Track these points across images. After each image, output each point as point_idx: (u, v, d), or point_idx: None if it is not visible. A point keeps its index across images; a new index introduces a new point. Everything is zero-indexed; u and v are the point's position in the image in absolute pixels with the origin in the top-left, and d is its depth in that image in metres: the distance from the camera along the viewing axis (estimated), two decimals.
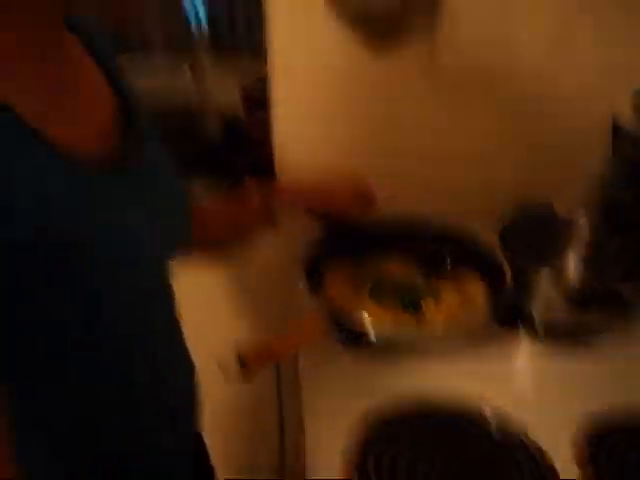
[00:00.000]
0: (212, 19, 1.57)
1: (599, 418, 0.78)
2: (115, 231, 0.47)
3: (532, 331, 0.95)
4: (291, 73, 1.05)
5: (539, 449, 0.73)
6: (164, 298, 0.61)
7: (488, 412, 0.78)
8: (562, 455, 0.72)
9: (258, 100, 1.17)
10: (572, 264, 1.08)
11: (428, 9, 0.99)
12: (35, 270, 0.40)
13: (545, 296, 0.93)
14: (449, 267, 1.03)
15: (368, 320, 0.85)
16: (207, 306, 1.17)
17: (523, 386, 0.89)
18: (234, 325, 1.19)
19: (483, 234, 1.02)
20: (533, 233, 1.09)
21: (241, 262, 1.13)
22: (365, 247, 1.02)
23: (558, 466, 0.71)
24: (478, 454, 0.72)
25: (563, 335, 0.94)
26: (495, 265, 0.96)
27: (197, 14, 1.56)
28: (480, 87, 1.09)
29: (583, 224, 1.06)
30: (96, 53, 0.54)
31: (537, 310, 0.95)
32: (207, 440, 0.83)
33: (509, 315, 0.98)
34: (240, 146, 1.47)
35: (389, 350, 0.88)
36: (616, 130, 1.08)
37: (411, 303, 0.94)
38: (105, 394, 0.52)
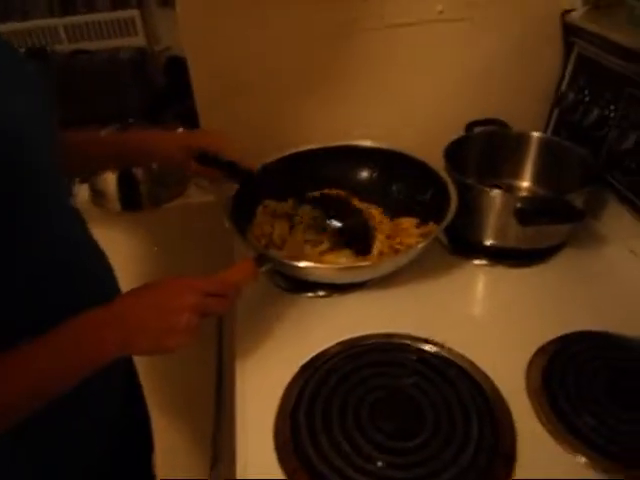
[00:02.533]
0: None
1: (550, 343, 0.73)
2: None
3: (485, 256, 0.90)
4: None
5: (485, 377, 0.68)
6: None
7: (431, 342, 0.72)
8: (513, 383, 0.68)
9: None
10: (524, 180, 1.02)
11: None
12: None
13: (496, 217, 0.86)
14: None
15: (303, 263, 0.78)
16: (143, 262, 1.11)
17: (472, 314, 0.83)
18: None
19: (430, 158, 0.94)
20: (482, 150, 1.01)
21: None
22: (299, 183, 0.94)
23: (507, 394, 0.66)
24: (415, 386, 0.67)
25: (516, 256, 0.88)
26: (442, 189, 0.88)
27: None
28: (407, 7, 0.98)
29: (536, 137, 1.00)
30: None
31: (488, 233, 0.88)
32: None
33: (459, 241, 0.92)
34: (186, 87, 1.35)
35: (337, 290, 0.83)
36: (567, 28, 1.00)
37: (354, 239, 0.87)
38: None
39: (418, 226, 0.89)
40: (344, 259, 0.86)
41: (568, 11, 0.98)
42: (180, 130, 0.84)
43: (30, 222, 0.55)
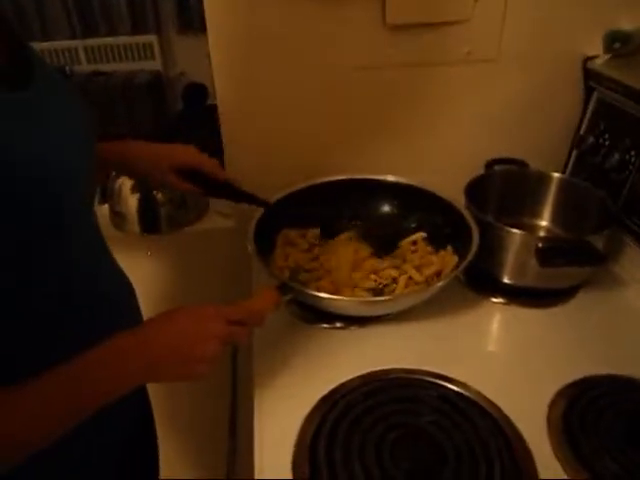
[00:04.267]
0: None
1: (570, 386, 0.72)
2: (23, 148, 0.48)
3: (503, 295, 0.90)
4: (231, 37, 0.97)
5: (505, 417, 0.67)
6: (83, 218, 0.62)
7: (451, 380, 0.72)
8: (533, 424, 0.67)
9: None
10: (544, 220, 1.03)
11: None
12: None
13: (515, 256, 0.87)
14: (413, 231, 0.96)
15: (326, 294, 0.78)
16: (161, 286, 1.12)
17: (490, 352, 0.83)
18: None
19: (450, 195, 0.95)
20: (503, 189, 1.02)
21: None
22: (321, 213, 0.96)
23: (527, 436, 0.65)
24: (436, 424, 0.66)
25: (534, 295, 0.88)
26: (462, 225, 0.89)
27: None
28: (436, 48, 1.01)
29: (557, 178, 1.01)
30: None
31: (507, 271, 0.88)
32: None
33: (478, 278, 0.92)
34: (203, 113, 1.38)
35: (354, 322, 0.83)
36: (588, 73, 1.02)
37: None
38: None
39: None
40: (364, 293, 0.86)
41: (590, 58, 1.00)
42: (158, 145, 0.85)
43: (54, 248, 0.55)
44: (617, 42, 0.98)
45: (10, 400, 0.48)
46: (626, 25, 0.99)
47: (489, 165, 1.05)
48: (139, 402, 0.80)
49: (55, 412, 0.51)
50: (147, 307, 0.76)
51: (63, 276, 0.57)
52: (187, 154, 0.84)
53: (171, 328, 0.58)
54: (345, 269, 0.89)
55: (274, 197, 0.92)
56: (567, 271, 0.87)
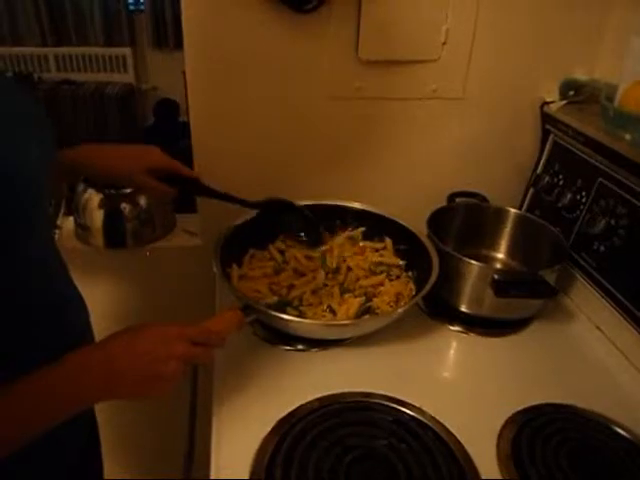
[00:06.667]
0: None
1: (520, 413, 0.75)
2: None
3: (460, 323, 0.93)
4: (208, 54, 0.99)
5: (457, 442, 0.70)
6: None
7: (407, 404, 0.74)
8: (484, 449, 0.70)
9: None
10: (501, 253, 1.07)
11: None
12: None
13: (472, 286, 0.90)
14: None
15: (288, 317, 0.80)
16: (122, 302, 1.10)
17: (446, 378, 0.86)
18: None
19: (412, 224, 0.98)
20: (462, 221, 1.07)
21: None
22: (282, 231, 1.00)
23: (477, 461, 0.68)
24: (390, 448, 0.68)
25: (490, 324, 0.92)
26: (423, 254, 0.92)
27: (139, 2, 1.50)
28: (405, 84, 1.06)
29: (513, 213, 1.06)
30: None
31: (465, 300, 0.92)
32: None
33: (436, 305, 0.95)
34: (174, 129, 1.39)
35: (315, 345, 0.85)
36: (545, 117, 1.08)
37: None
38: None
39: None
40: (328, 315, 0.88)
41: (547, 103, 1.07)
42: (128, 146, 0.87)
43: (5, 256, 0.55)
44: (572, 90, 1.05)
45: None
46: (581, 75, 1.07)
47: (451, 197, 1.10)
48: (88, 417, 0.79)
49: (8, 429, 0.50)
50: (108, 322, 0.75)
51: (12, 278, 0.57)
52: (158, 155, 0.85)
53: (132, 348, 0.58)
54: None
55: (239, 220, 0.94)
56: (521, 302, 0.91)
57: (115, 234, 1.11)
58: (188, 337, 0.61)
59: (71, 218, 1.15)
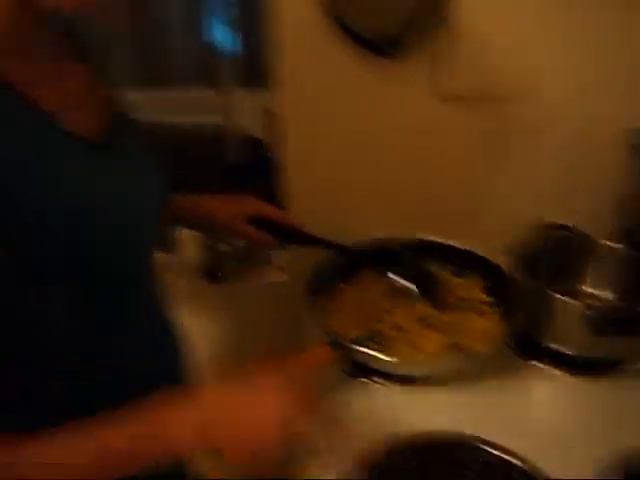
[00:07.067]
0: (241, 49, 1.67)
1: (619, 460, 0.71)
2: (107, 197, 0.55)
3: (550, 361, 0.90)
4: (299, 95, 1.06)
5: None
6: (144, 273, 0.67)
7: (495, 445, 0.73)
8: None
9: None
10: (594, 288, 1.03)
11: (433, 31, 0.98)
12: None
13: (564, 323, 0.87)
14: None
15: (373, 353, 0.81)
16: (217, 335, 1.17)
17: (536, 419, 0.84)
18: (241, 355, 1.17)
19: (498, 258, 0.97)
20: (552, 255, 1.03)
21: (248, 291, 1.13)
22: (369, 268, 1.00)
23: None
24: None
25: (584, 365, 0.88)
26: (510, 289, 0.91)
27: (224, 44, 1.63)
28: (491, 112, 1.06)
29: (607, 246, 1.01)
30: (85, 53, 0.64)
31: (555, 339, 0.89)
32: None
33: (524, 344, 0.93)
34: (261, 168, 1.49)
35: (394, 380, 0.85)
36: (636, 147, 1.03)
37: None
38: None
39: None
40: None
41: None
42: (231, 197, 0.90)
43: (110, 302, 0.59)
44: None
45: (31, 449, 0.47)
46: None
47: (539, 229, 1.07)
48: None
49: (87, 462, 0.50)
50: (198, 354, 0.79)
51: (113, 317, 0.60)
52: (255, 204, 0.88)
53: (236, 406, 0.55)
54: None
55: (326, 255, 0.97)
56: (618, 341, 0.87)
57: (212, 270, 1.20)
58: (296, 403, 0.55)
59: (170, 254, 1.24)
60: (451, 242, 1.02)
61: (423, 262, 0.98)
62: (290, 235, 0.89)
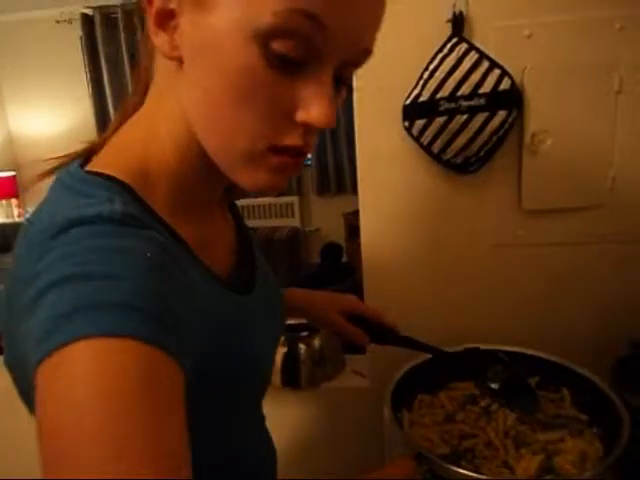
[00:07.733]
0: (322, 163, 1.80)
1: None
2: (252, 343, 0.59)
3: None
4: (377, 206, 1.12)
5: None
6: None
7: None
8: None
9: (357, 228, 1.25)
10: None
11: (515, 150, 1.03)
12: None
13: None
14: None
15: (464, 472, 0.77)
16: (296, 441, 1.16)
17: None
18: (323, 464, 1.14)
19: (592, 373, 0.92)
20: None
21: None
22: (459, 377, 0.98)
23: None
24: None
25: None
26: (608, 407, 0.85)
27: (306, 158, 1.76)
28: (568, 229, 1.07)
29: None
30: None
31: None
32: None
33: (628, 467, 0.84)
34: (339, 270, 1.53)
35: None
36: None
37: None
38: None
39: None
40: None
41: None
42: (325, 292, 0.93)
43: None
44: None
45: None
46: None
47: (635, 345, 1.01)
48: None
49: None
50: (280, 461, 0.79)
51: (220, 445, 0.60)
52: (352, 300, 0.92)
53: None
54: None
55: (409, 363, 0.97)
56: None
57: (291, 374, 1.20)
58: None
59: None
60: (541, 354, 0.98)
61: (519, 372, 0.93)
62: (384, 335, 0.90)
